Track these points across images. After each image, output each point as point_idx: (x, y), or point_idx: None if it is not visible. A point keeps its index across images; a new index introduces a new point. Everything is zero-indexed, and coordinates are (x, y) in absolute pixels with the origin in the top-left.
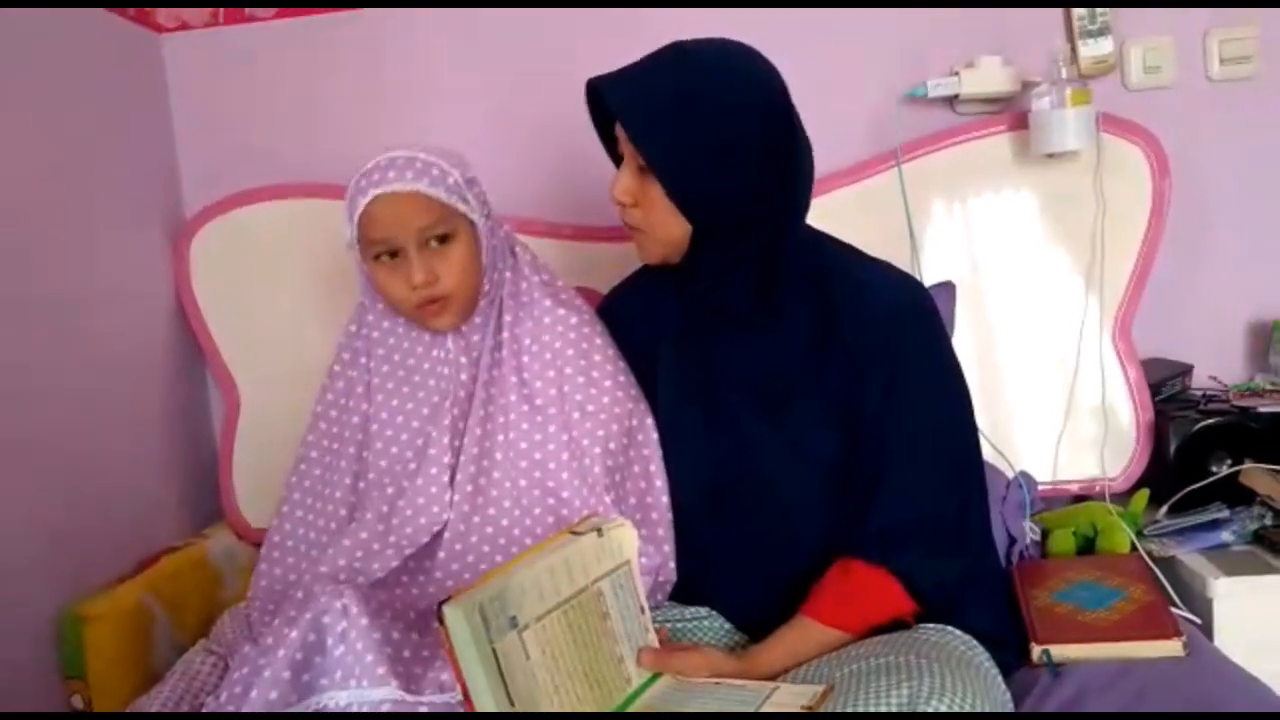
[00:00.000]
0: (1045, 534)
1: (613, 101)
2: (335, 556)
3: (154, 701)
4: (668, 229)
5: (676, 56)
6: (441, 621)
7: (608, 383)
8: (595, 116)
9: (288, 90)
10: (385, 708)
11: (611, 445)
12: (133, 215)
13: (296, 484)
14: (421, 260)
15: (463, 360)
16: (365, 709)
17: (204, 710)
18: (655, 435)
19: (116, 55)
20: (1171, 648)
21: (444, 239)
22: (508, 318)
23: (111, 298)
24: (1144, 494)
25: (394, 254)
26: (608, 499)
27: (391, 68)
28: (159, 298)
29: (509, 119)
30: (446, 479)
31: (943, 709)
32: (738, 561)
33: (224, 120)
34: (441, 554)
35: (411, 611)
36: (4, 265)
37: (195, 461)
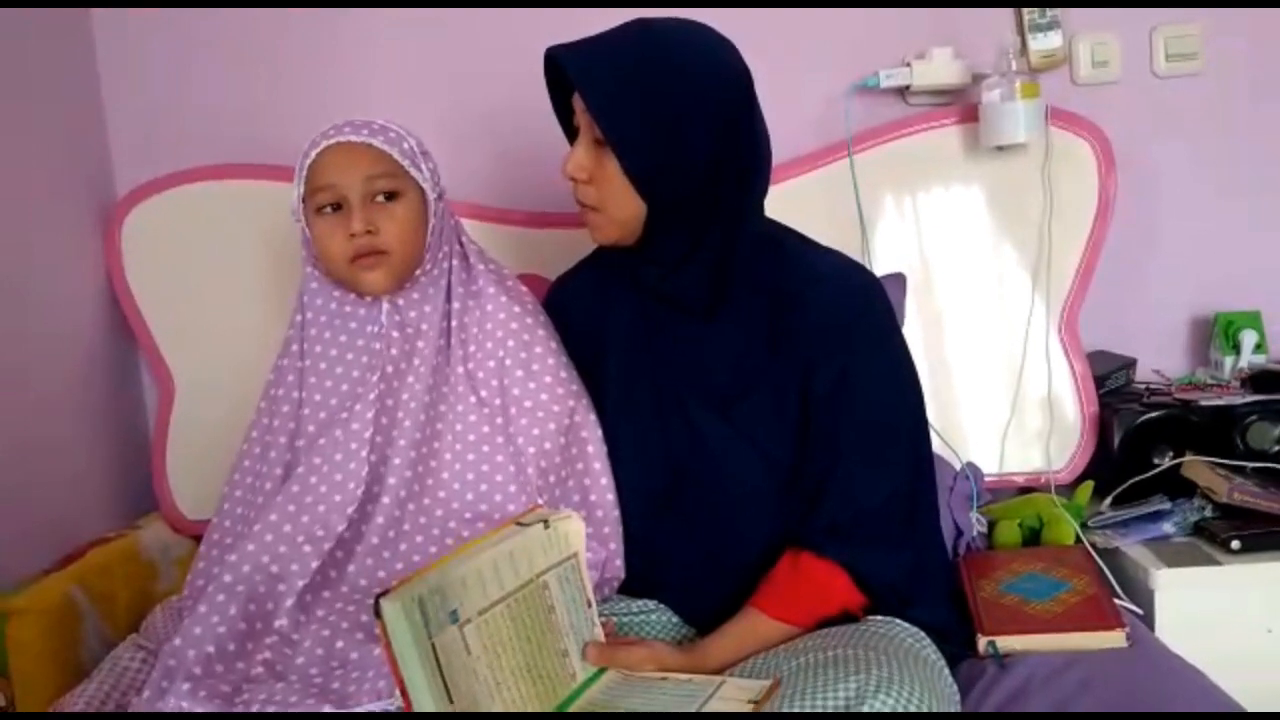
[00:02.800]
0: (991, 525)
1: (573, 70)
2: (256, 553)
3: (79, 700)
4: (622, 207)
5: (640, 30)
6: (379, 615)
7: (548, 378)
8: (553, 89)
9: (226, 70)
10: None
11: (548, 445)
12: (60, 195)
13: (237, 481)
14: (364, 211)
15: (394, 335)
16: None
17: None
18: (599, 432)
19: (42, 29)
20: (1114, 638)
21: (390, 195)
22: (455, 305)
23: (37, 280)
24: (1088, 486)
25: (337, 207)
26: (540, 500)
27: (337, 48)
28: (88, 281)
29: (459, 103)
30: (365, 454)
31: (890, 703)
32: (686, 555)
33: (157, 99)
34: (373, 538)
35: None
36: None
37: (127, 451)
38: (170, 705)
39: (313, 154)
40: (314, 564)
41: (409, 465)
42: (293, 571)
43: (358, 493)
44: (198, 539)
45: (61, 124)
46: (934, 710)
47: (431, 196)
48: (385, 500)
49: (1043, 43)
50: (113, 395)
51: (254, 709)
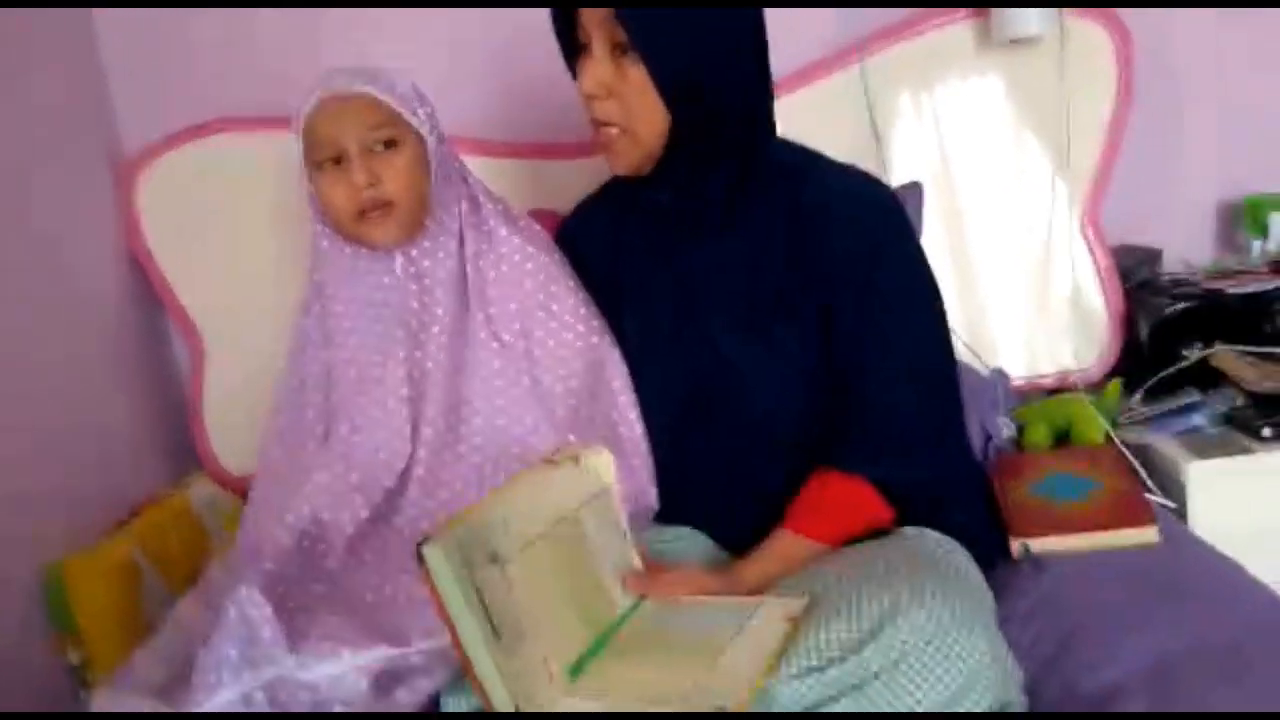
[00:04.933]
0: (1021, 429)
1: None
2: (301, 504)
3: (148, 655)
4: (646, 120)
5: None
6: (421, 561)
7: (568, 316)
8: (554, 7)
9: (226, 18)
10: (378, 667)
11: (574, 383)
12: (67, 160)
13: (273, 442)
14: (364, 163)
15: (411, 287)
16: (353, 674)
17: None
18: (623, 365)
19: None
20: (1147, 535)
21: (389, 144)
22: (470, 250)
23: (56, 249)
24: (1117, 383)
25: (338, 161)
26: (570, 438)
27: None
28: (107, 245)
29: (463, 39)
30: (405, 413)
31: (922, 616)
32: (716, 477)
33: (159, 53)
34: (412, 491)
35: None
36: None
37: (166, 412)
38: (238, 596)
39: (306, 108)
40: (364, 514)
41: (440, 415)
42: (343, 520)
43: (406, 450)
44: (243, 494)
45: (61, 86)
46: (967, 618)
47: (431, 141)
48: (421, 452)
49: None
50: (145, 356)
51: (311, 638)
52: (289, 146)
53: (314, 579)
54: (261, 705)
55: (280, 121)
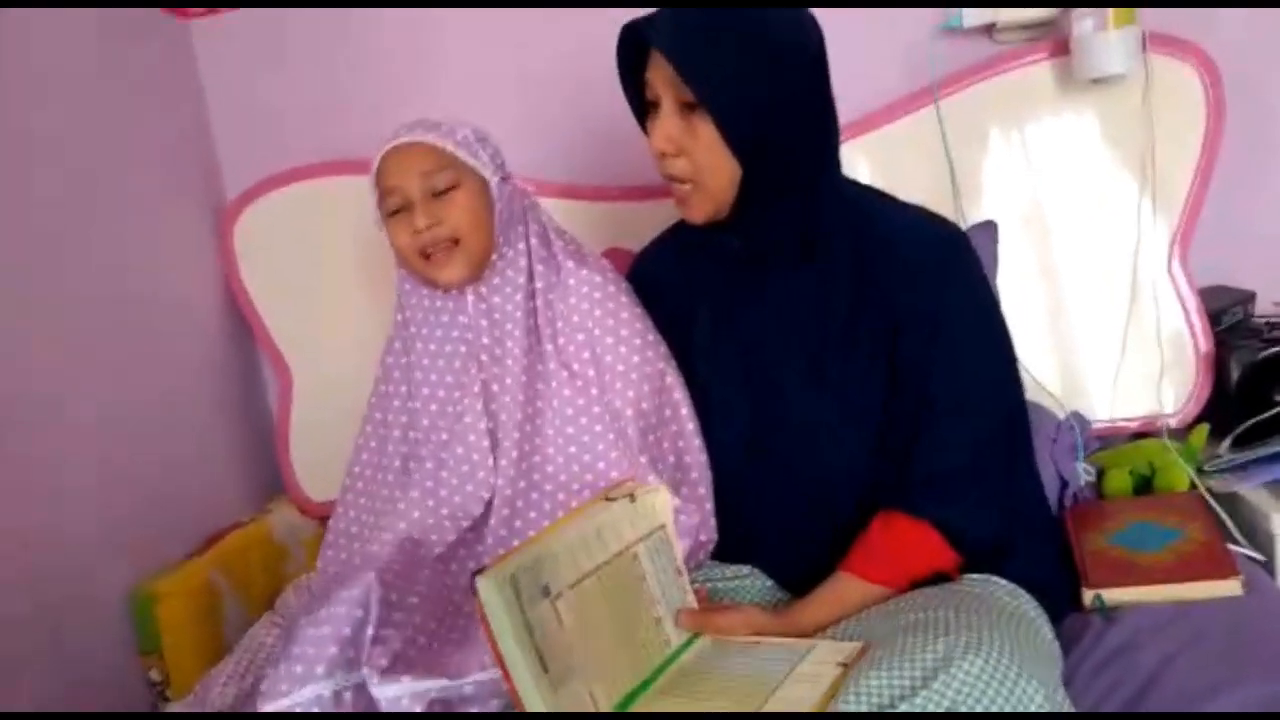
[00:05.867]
0: (1101, 474)
1: (658, 36)
2: (396, 522)
3: (221, 674)
4: (717, 174)
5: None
6: (475, 593)
7: (637, 341)
8: (622, 69)
9: (322, 68)
10: (432, 695)
11: (644, 405)
12: (173, 202)
13: (357, 473)
14: (425, 207)
15: (483, 323)
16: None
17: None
18: (687, 394)
19: (145, 44)
20: (1229, 587)
21: (450, 188)
22: (540, 285)
23: (161, 285)
24: (1203, 428)
25: (405, 209)
26: (643, 460)
27: (424, 39)
28: (207, 282)
29: (549, 84)
30: (486, 444)
31: (979, 664)
32: (779, 518)
33: (258, 102)
34: (492, 521)
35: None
36: (51, 258)
37: (253, 440)
38: (357, 591)
39: (375, 163)
40: (450, 538)
41: (515, 446)
42: (432, 541)
43: (490, 481)
44: (323, 520)
45: (170, 133)
46: (1025, 669)
47: (493, 181)
48: (499, 482)
49: None
50: (236, 389)
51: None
52: (366, 189)
53: (416, 580)
54: (349, 705)
55: (364, 166)
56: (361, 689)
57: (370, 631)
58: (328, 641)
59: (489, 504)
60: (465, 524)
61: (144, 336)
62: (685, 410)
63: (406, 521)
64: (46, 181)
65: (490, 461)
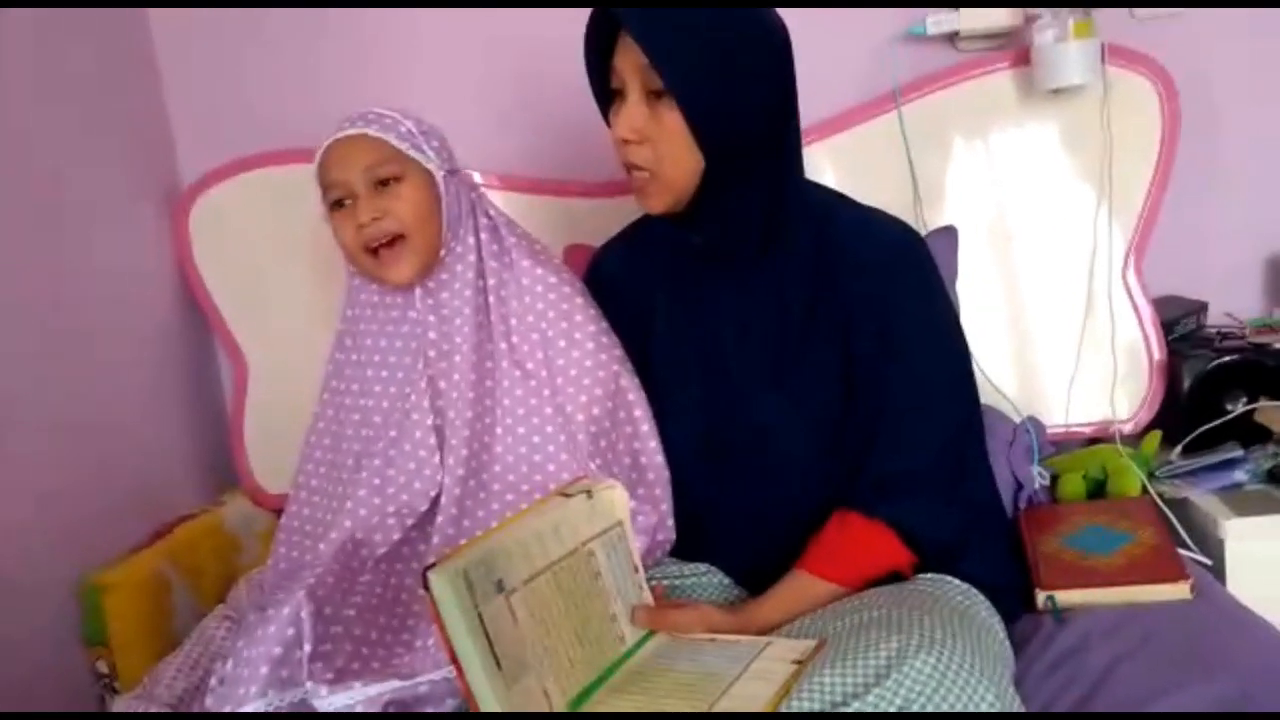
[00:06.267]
0: (1055, 479)
1: (630, 21)
2: (341, 520)
3: (170, 667)
4: (679, 164)
5: None
6: (427, 588)
7: (590, 344)
8: (588, 56)
9: (278, 58)
10: (386, 698)
11: (595, 411)
12: (128, 186)
13: (310, 470)
14: (369, 200)
15: (431, 319)
16: (362, 705)
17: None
18: (643, 395)
19: (101, 28)
20: (1178, 591)
21: (393, 180)
22: (491, 281)
23: (113, 270)
24: (1156, 435)
25: (348, 202)
26: (593, 465)
27: (383, 31)
28: (161, 268)
29: (507, 78)
30: (433, 441)
31: (931, 662)
32: (736, 516)
33: (216, 90)
34: (439, 519)
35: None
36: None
37: (207, 429)
38: (284, 614)
39: (318, 155)
40: (395, 536)
41: (464, 444)
42: (375, 541)
43: (436, 478)
44: (277, 512)
45: (127, 120)
46: (976, 668)
47: (439, 174)
48: (446, 480)
49: None
50: (190, 376)
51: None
52: None
53: (351, 592)
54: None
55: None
56: (295, 707)
57: (307, 649)
58: (259, 662)
59: (436, 502)
60: (410, 521)
61: (96, 324)
62: (640, 411)
63: (352, 520)
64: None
65: (436, 458)
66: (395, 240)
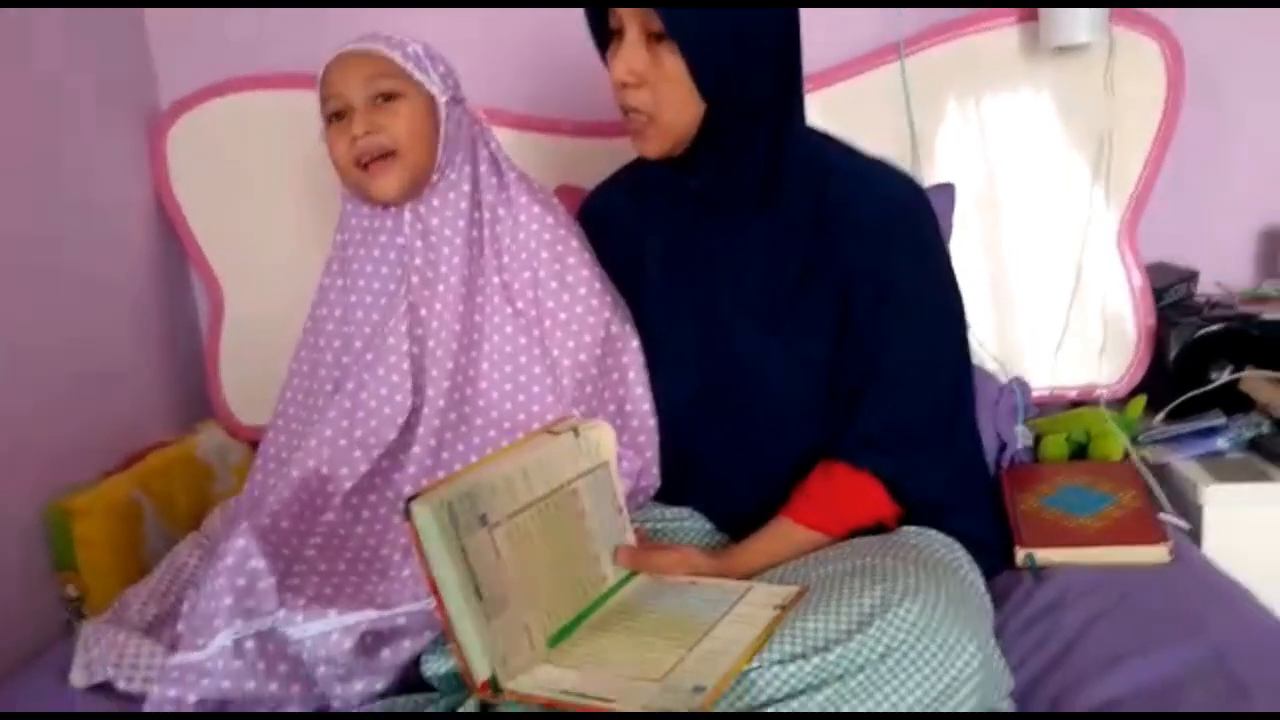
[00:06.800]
0: (1038, 439)
1: None
2: (305, 458)
3: (140, 593)
4: (679, 110)
5: None
6: (409, 518)
7: (582, 290)
8: None
9: None
10: (364, 628)
11: (582, 357)
12: (106, 107)
13: (289, 399)
14: (365, 114)
15: (418, 244)
16: (339, 633)
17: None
18: (635, 342)
19: None
20: (1157, 554)
21: (391, 97)
22: (487, 215)
23: (88, 192)
24: (1140, 400)
25: (344, 115)
26: (576, 412)
27: None
28: (137, 192)
29: (505, 13)
30: (406, 366)
31: (915, 610)
32: (723, 462)
33: (197, 11)
34: (416, 449)
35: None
36: None
37: (182, 359)
38: (237, 546)
39: (322, 69)
40: (362, 468)
41: (447, 376)
42: (341, 475)
43: (406, 404)
44: (254, 444)
45: (104, 37)
46: (960, 618)
47: (441, 99)
48: (426, 411)
49: None
50: (165, 305)
51: (301, 596)
52: (314, 104)
53: (310, 533)
54: (251, 654)
55: (308, 80)
56: (264, 637)
57: (271, 580)
58: (222, 594)
59: (408, 432)
60: (377, 451)
61: (70, 247)
62: (628, 358)
63: (317, 449)
64: None
65: (409, 384)
66: (386, 155)
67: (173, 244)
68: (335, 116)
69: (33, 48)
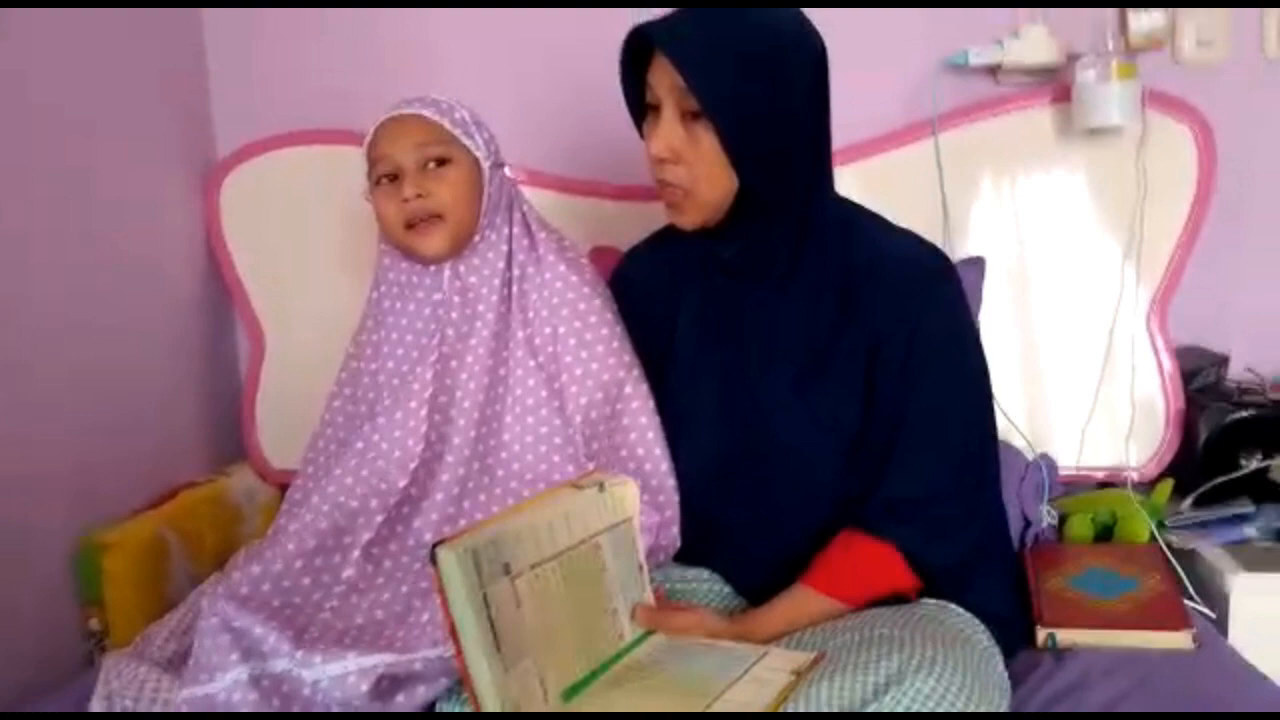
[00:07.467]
0: (1063, 519)
1: (666, 43)
2: (321, 505)
3: (162, 630)
4: (713, 185)
5: (727, 6)
6: (434, 563)
7: (600, 347)
8: (624, 71)
9: (324, 41)
10: (380, 671)
11: (593, 414)
12: (164, 154)
13: (320, 448)
14: (416, 178)
15: (455, 299)
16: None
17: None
18: (651, 403)
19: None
20: (1180, 640)
21: (441, 162)
22: (516, 273)
23: (141, 235)
24: (1168, 484)
25: (394, 178)
26: (590, 466)
27: (431, 20)
28: (189, 237)
29: (548, 78)
30: (424, 413)
31: (930, 683)
32: (745, 527)
33: (259, 67)
34: (439, 496)
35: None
36: (35, 197)
37: (219, 401)
38: (218, 609)
39: (371, 130)
40: (379, 518)
41: (472, 425)
42: (359, 525)
43: (417, 450)
44: (282, 487)
45: (168, 89)
46: (975, 693)
47: (485, 164)
48: (450, 459)
49: (1144, 21)
50: (207, 348)
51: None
52: (362, 161)
53: (330, 591)
54: (266, 690)
55: (357, 137)
56: (277, 679)
57: (259, 630)
58: (220, 637)
59: (436, 478)
60: (391, 498)
61: (122, 287)
62: (645, 419)
63: (335, 488)
64: (41, 129)
65: (423, 428)
66: (434, 217)
67: (219, 289)
68: (386, 178)
69: (94, 95)
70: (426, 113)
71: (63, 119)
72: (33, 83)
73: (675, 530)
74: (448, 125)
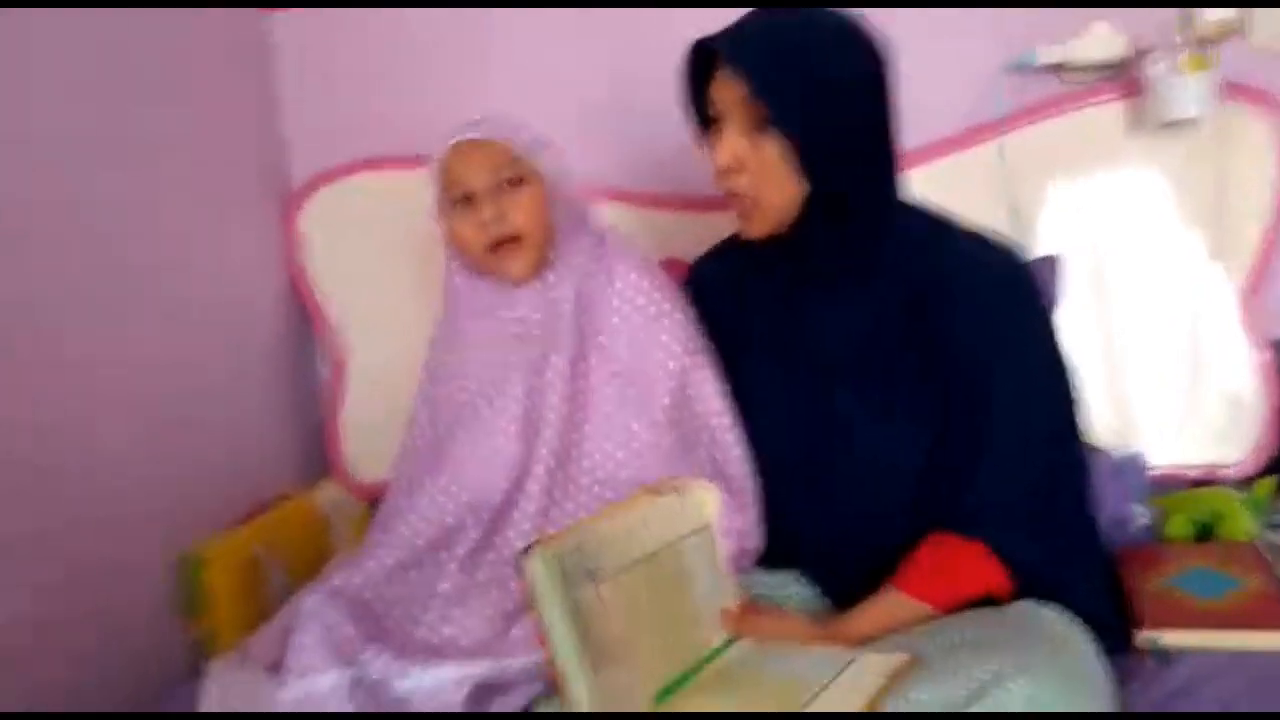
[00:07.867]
0: (1161, 518)
1: (731, 54)
2: (415, 520)
3: (260, 638)
4: (780, 193)
5: (787, 11)
6: (522, 572)
7: (678, 348)
8: (687, 80)
9: (398, 66)
10: (475, 679)
11: (677, 415)
12: (241, 182)
13: (403, 471)
14: (492, 200)
15: (536, 316)
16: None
17: None
18: (726, 402)
19: (222, 29)
20: None
21: (515, 183)
22: (591, 283)
23: (225, 266)
24: (1269, 482)
25: (469, 200)
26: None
27: (499, 38)
28: (269, 262)
29: (614, 92)
30: (515, 430)
31: (1029, 688)
32: (826, 529)
33: (333, 91)
34: (531, 508)
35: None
36: (118, 227)
37: (304, 420)
38: (318, 613)
39: (441, 154)
40: (474, 533)
41: (557, 436)
42: (454, 539)
43: (511, 465)
44: (369, 501)
45: (243, 118)
46: (1074, 696)
47: (555, 180)
48: (538, 469)
49: (1212, 16)
50: (291, 372)
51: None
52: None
53: (423, 608)
54: (362, 698)
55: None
56: (371, 686)
57: (350, 630)
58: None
59: (523, 489)
60: (486, 515)
61: (206, 315)
62: (725, 420)
63: (428, 505)
64: (115, 156)
65: (514, 446)
66: (515, 239)
67: (300, 312)
68: (461, 201)
69: (171, 119)
70: (497, 135)
71: (139, 155)
72: (109, 121)
73: (759, 531)
74: (517, 146)
